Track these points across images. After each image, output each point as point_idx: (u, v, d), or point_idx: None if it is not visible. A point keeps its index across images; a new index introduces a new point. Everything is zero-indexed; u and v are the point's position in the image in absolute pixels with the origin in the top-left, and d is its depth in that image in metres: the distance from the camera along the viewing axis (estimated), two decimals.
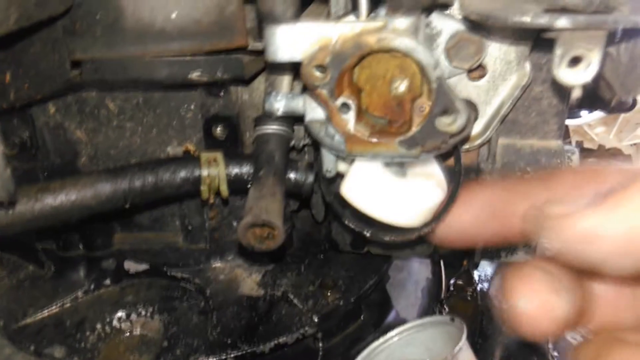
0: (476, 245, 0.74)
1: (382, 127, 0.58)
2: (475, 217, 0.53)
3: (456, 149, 0.66)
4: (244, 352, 0.84)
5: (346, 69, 0.54)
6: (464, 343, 0.80)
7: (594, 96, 1.08)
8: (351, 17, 0.58)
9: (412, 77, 0.55)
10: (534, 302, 0.38)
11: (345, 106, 0.56)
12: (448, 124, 0.54)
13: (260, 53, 0.77)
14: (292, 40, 0.55)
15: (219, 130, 0.85)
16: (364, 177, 0.65)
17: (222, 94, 0.82)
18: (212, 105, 0.83)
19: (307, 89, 0.63)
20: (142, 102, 0.85)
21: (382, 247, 0.93)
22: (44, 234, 0.94)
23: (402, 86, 0.55)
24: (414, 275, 1.12)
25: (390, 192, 0.65)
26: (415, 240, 0.70)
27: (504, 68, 0.69)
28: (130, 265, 1.00)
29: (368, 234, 0.69)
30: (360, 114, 0.58)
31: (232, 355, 0.83)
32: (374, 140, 0.57)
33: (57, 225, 0.67)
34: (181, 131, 0.88)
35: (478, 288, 1.16)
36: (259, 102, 0.87)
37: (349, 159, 0.68)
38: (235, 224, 0.97)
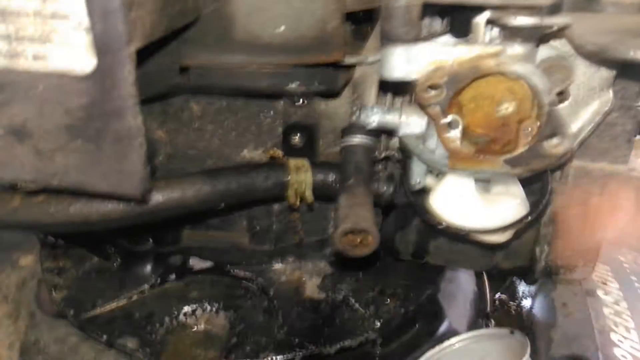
0: None
1: (484, 145, 0.61)
2: None
3: (545, 171, 0.69)
4: (311, 352, 0.87)
5: (460, 88, 0.57)
6: (528, 355, 0.83)
7: None
8: (455, 40, 0.62)
9: (521, 99, 0.58)
10: None
11: (453, 123, 0.60)
12: (554, 146, 0.57)
13: (349, 67, 0.80)
14: (409, 60, 0.58)
15: (297, 137, 0.88)
16: (455, 191, 0.68)
17: (304, 103, 0.85)
18: (294, 113, 0.86)
19: (414, 104, 0.66)
20: (225, 106, 0.88)
21: (443, 258, 0.96)
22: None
23: (510, 108, 0.58)
24: (462, 288, 1.15)
25: (479, 207, 0.68)
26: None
27: (587, 94, 0.72)
28: (194, 262, 1.03)
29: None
30: (464, 131, 0.62)
31: (300, 354, 0.86)
32: (480, 157, 0.60)
33: (158, 221, 0.70)
34: (258, 136, 0.91)
35: (522, 303, 1.19)
36: (333, 113, 0.90)
37: (437, 173, 0.71)
38: (298, 227, 1.01)
